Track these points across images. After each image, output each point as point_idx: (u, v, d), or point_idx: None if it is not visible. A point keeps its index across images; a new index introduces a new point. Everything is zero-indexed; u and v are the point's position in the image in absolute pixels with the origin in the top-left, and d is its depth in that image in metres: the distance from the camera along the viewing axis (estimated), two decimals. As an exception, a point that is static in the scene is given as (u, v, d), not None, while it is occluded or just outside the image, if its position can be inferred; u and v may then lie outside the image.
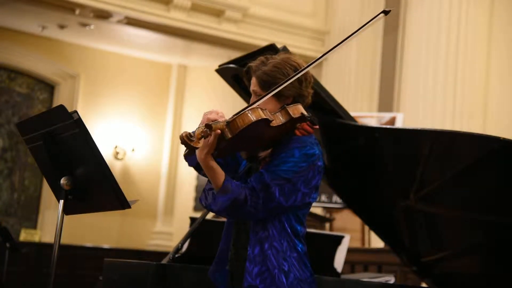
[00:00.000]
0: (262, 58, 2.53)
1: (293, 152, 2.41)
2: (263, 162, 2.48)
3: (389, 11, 2.37)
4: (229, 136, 2.30)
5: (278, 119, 2.40)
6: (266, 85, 2.46)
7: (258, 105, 2.38)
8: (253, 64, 2.53)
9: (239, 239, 2.52)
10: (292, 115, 2.41)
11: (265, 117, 2.33)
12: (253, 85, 2.51)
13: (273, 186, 2.36)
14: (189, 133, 2.26)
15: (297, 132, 2.47)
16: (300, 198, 2.42)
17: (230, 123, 2.30)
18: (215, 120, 2.31)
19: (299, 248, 2.46)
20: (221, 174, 2.38)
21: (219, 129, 2.29)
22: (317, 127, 2.52)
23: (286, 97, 2.47)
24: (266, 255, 2.39)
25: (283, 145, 2.44)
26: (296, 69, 2.46)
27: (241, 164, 2.62)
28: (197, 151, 2.32)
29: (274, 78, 2.45)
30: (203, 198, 2.43)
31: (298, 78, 2.44)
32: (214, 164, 2.36)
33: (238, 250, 2.51)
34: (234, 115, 2.33)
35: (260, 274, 2.38)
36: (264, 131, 2.38)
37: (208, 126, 2.27)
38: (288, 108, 2.42)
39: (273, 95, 2.41)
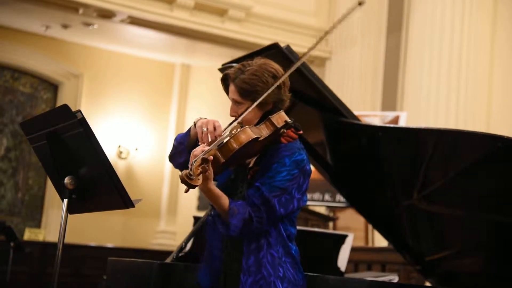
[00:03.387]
0: (239, 65, 2.50)
1: (284, 161, 2.41)
2: (251, 171, 2.48)
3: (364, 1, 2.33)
4: (223, 160, 2.31)
5: (264, 132, 2.40)
6: (246, 93, 2.45)
7: (243, 119, 2.40)
8: (230, 71, 2.51)
9: (228, 244, 2.52)
10: (277, 125, 2.42)
11: (254, 136, 2.34)
12: (232, 93, 2.50)
13: (272, 199, 2.37)
14: (188, 172, 2.22)
15: (283, 140, 2.46)
16: (296, 205, 2.44)
17: (222, 148, 2.31)
18: (203, 151, 2.28)
19: (293, 252, 2.47)
20: (225, 198, 2.38)
21: (212, 155, 2.28)
22: (301, 132, 2.50)
23: (267, 103, 2.46)
24: (261, 263, 2.39)
25: (272, 154, 2.44)
26: (274, 75, 2.45)
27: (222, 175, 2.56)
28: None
29: (253, 86, 2.44)
30: (222, 228, 2.41)
31: (277, 84, 2.43)
32: (216, 190, 2.36)
33: (230, 251, 2.51)
34: (224, 138, 2.35)
35: (254, 284, 2.38)
36: (252, 147, 2.39)
37: (205, 161, 2.25)
38: (272, 119, 2.43)
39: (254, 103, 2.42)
